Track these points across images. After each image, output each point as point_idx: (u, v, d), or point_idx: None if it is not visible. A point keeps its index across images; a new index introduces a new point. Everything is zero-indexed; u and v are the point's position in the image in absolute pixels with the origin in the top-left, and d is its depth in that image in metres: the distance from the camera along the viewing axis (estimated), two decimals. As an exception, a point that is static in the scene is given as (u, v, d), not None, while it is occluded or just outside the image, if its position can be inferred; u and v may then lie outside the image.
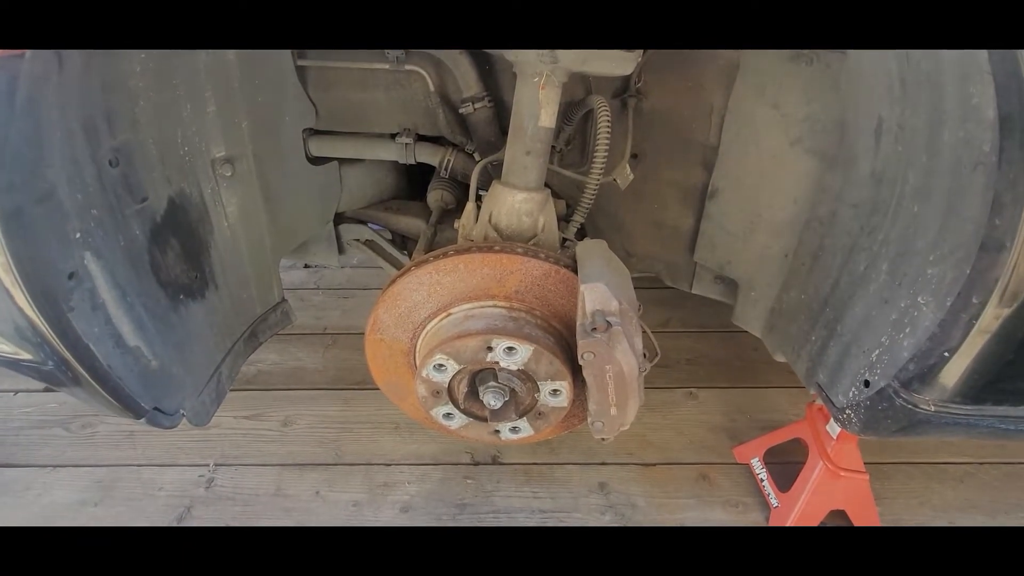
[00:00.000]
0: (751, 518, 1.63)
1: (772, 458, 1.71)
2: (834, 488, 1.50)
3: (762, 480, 1.68)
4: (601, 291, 0.96)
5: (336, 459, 1.80)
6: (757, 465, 1.71)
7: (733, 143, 1.28)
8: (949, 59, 0.78)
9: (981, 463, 1.77)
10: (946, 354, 0.87)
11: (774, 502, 1.62)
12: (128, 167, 0.99)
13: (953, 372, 0.90)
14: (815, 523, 1.55)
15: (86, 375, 0.94)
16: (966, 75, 0.75)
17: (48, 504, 1.67)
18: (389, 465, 1.78)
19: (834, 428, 1.50)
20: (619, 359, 0.98)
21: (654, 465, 1.78)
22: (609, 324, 0.96)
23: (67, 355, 0.90)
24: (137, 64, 0.97)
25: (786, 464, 1.67)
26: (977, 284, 0.79)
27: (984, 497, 1.69)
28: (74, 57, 0.82)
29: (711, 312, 2.28)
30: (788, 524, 1.54)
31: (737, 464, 1.78)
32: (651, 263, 1.62)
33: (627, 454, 1.80)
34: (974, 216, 0.79)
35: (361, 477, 1.75)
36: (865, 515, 1.55)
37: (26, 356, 0.91)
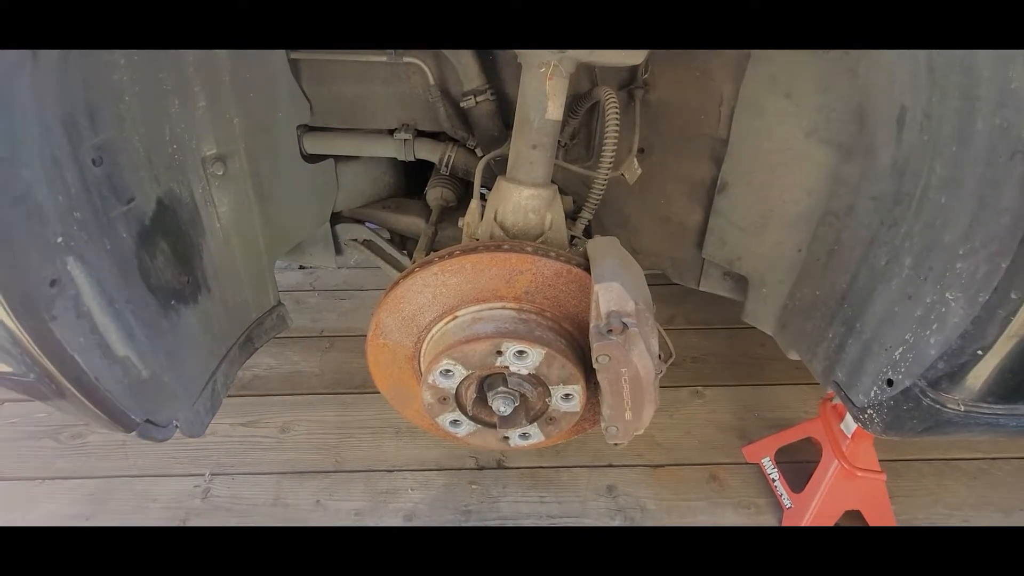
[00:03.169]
0: (764, 520, 1.60)
1: (783, 457, 1.68)
2: (850, 488, 1.47)
3: (774, 480, 1.65)
4: (617, 291, 0.92)
5: (336, 466, 1.75)
6: (768, 465, 1.68)
7: (743, 135, 1.24)
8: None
9: (994, 459, 1.75)
10: (979, 352, 0.84)
11: (787, 503, 1.58)
12: (113, 166, 0.93)
13: (984, 371, 0.87)
14: (830, 524, 1.51)
15: (71, 388, 0.88)
16: (1005, 58, 0.71)
17: (37, 519, 1.61)
18: (391, 471, 1.73)
19: (849, 426, 1.47)
20: (635, 362, 0.94)
21: (663, 466, 1.75)
22: (625, 326, 0.91)
23: (50, 367, 0.85)
24: (121, 57, 0.92)
25: (798, 464, 1.64)
26: (1017, 279, 0.75)
27: (998, 493, 1.67)
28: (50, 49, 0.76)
29: (716, 308, 2.24)
30: (802, 526, 1.50)
31: (747, 464, 1.75)
32: (657, 259, 1.58)
33: (635, 455, 1.76)
34: (1011, 207, 0.76)
35: (362, 484, 1.70)
36: (881, 515, 1.52)
37: (6, 368, 0.86)
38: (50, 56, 0.77)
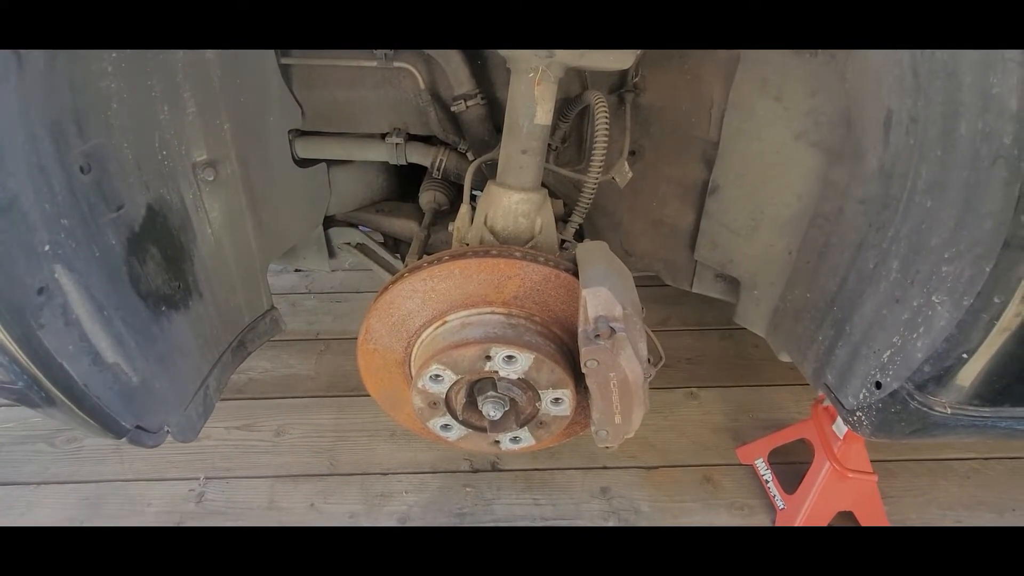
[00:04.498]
0: (757, 521, 1.60)
1: (776, 458, 1.68)
2: (842, 489, 1.48)
3: (767, 482, 1.65)
4: (604, 296, 0.92)
5: (331, 469, 1.76)
6: (762, 466, 1.68)
7: (734, 138, 1.24)
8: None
9: (987, 459, 1.75)
10: (964, 355, 0.84)
11: (780, 504, 1.59)
12: (101, 173, 0.93)
13: (970, 373, 0.87)
14: (822, 525, 1.52)
15: (60, 395, 0.89)
16: (987, 64, 0.71)
17: (32, 523, 1.61)
18: (386, 474, 1.74)
19: (841, 427, 1.47)
20: (623, 366, 0.94)
21: (656, 468, 1.75)
22: (613, 330, 0.92)
23: (38, 375, 0.85)
24: (108, 63, 0.92)
25: (791, 465, 1.64)
26: (1000, 283, 0.76)
27: (991, 493, 1.67)
28: (35, 55, 0.77)
29: (710, 309, 2.24)
30: (795, 526, 1.51)
31: (741, 465, 1.75)
32: (650, 262, 1.59)
33: (629, 457, 1.77)
34: (994, 212, 0.76)
35: (357, 487, 1.70)
36: (873, 516, 1.53)
37: (-5, 377, 0.86)
38: (36, 63, 0.77)
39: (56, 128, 0.84)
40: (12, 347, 0.81)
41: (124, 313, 0.97)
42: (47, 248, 0.83)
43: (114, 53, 0.92)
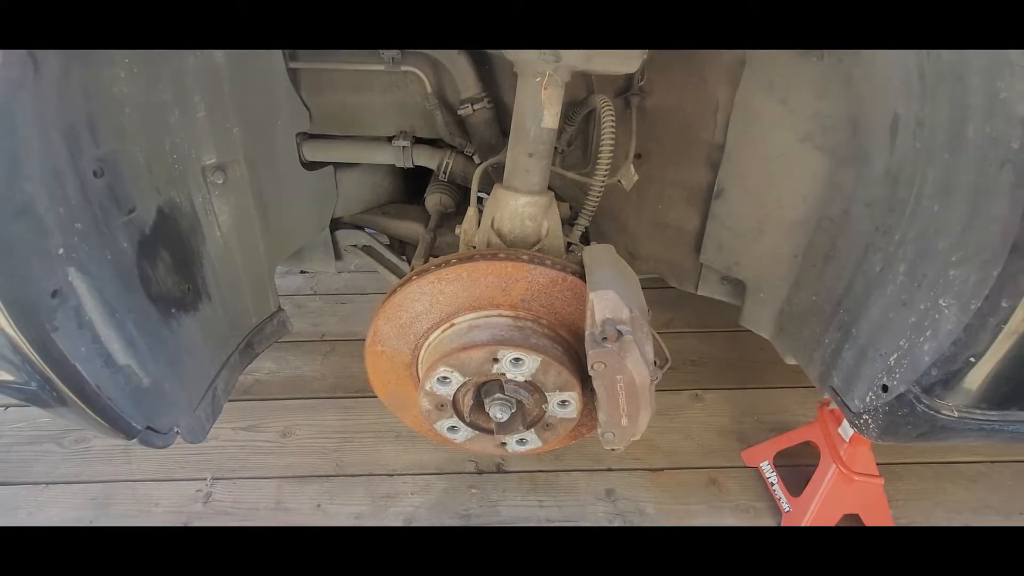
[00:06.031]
0: (762, 523, 1.60)
1: (782, 461, 1.68)
2: (847, 492, 1.47)
3: (772, 484, 1.65)
4: (611, 299, 0.93)
5: (337, 470, 1.77)
6: (767, 468, 1.68)
7: (740, 141, 1.25)
8: (974, 51, 0.74)
9: (994, 462, 1.75)
10: (971, 359, 0.84)
11: (785, 507, 1.58)
12: (114, 177, 0.94)
13: (977, 377, 0.87)
14: (828, 527, 1.52)
15: (73, 396, 0.90)
16: (994, 69, 0.72)
17: (41, 523, 1.62)
18: (391, 475, 1.74)
19: (846, 430, 1.47)
20: (630, 369, 0.95)
21: (662, 470, 1.75)
22: (620, 333, 0.92)
23: (52, 376, 0.86)
24: (121, 69, 0.93)
25: (797, 467, 1.64)
26: (1007, 287, 0.76)
27: (998, 497, 1.67)
28: (51, 62, 0.78)
29: (715, 312, 2.23)
30: (800, 526, 1.50)
31: (746, 467, 1.75)
32: (655, 264, 1.59)
33: (634, 459, 1.77)
34: (1001, 216, 0.76)
35: (363, 488, 1.71)
36: (879, 519, 1.52)
37: (8, 377, 0.87)
38: (51, 70, 0.79)
39: (70, 133, 0.85)
40: (26, 348, 0.82)
41: (135, 315, 0.98)
42: (61, 251, 0.84)
43: (127, 59, 0.93)
